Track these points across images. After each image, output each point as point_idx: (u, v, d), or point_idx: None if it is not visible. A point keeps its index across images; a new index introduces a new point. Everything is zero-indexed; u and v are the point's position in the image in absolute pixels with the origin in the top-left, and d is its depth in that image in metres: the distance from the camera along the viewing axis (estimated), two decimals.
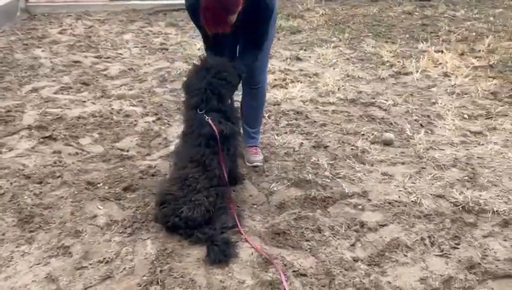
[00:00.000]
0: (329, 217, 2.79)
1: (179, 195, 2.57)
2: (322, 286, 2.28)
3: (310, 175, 3.19)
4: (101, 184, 3.05)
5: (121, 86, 4.73)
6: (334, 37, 6.34)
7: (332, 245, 2.56)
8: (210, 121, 2.66)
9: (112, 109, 4.18)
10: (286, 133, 3.82)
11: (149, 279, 2.28)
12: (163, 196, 2.62)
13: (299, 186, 3.08)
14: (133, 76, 5.01)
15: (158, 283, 2.26)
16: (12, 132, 3.70)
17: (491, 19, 6.85)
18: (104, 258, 2.41)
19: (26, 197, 2.88)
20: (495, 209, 2.83)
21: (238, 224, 2.64)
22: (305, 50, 5.86)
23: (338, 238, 2.61)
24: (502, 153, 3.46)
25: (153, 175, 3.17)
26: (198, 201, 2.55)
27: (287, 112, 4.18)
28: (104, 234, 2.60)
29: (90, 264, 2.37)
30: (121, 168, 3.24)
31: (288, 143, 3.64)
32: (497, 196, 2.98)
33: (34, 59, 5.43)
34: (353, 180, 3.17)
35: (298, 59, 5.54)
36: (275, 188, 3.06)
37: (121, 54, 5.76)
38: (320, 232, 2.65)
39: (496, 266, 2.41)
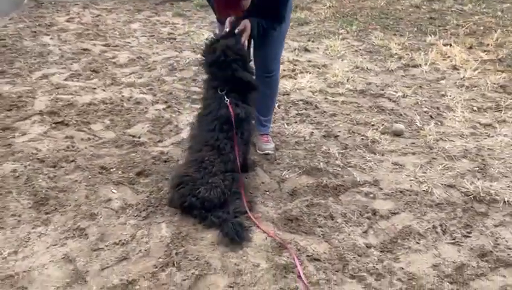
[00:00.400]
0: (341, 205, 2.81)
1: (196, 177, 2.60)
2: (336, 271, 2.30)
3: (321, 163, 3.21)
4: (114, 169, 3.07)
5: (131, 74, 4.74)
6: (341, 29, 6.33)
7: (345, 232, 2.58)
8: (229, 104, 2.68)
9: (122, 96, 4.19)
10: (296, 122, 3.83)
11: (165, 261, 2.30)
12: (180, 177, 2.65)
13: (310, 174, 3.10)
14: (142, 64, 5.02)
15: (174, 264, 2.28)
16: (24, 117, 3.72)
17: (499, 13, 6.84)
18: (120, 240, 2.43)
19: (40, 180, 2.91)
20: (506, 199, 2.85)
21: (248, 210, 2.66)
22: (313, 41, 5.86)
23: (350, 225, 2.64)
24: (511, 145, 3.48)
25: (165, 161, 3.19)
26: (215, 183, 2.59)
27: (296, 102, 4.19)
28: (119, 217, 2.62)
29: (106, 245, 2.40)
30: (134, 154, 3.26)
31: (298, 132, 3.66)
32: (508, 186, 3.00)
33: (42, 46, 5.43)
34: (364, 169, 3.19)
35: (306, 50, 5.54)
36: (287, 176, 3.08)
37: (129, 42, 5.76)
38: (332, 219, 2.67)
39: (508, 254, 2.43)
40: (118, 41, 5.74)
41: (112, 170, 3.06)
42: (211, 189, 2.57)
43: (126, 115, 3.85)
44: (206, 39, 2.95)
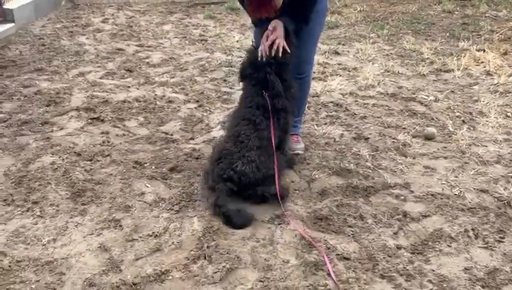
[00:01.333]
0: (372, 206, 2.81)
1: (233, 150, 2.73)
2: (366, 270, 2.30)
3: (351, 165, 3.21)
4: (148, 164, 3.15)
5: (163, 73, 4.84)
6: (372, 33, 6.31)
7: (375, 232, 2.58)
8: (266, 96, 2.82)
9: (155, 94, 4.29)
10: (326, 124, 3.84)
11: (196, 254, 2.35)
12: (219, 152, 2.81)
13: (340, 175, 3.11)
14: (174, 65, 5.12)
15: (205, 257, 2.33)
16: (61, 112, 3.85)
17: None
18: (153, 232, 2.49)
19: (77, 172, 3.01)
20: None
21: (282, 205, 2.70)
22: (343, 45, 5.86)
23: (380, 226, 2.63)
24: None
25: (197, 158, 3.25)
26: (251, 158, 2.69)
27: (326, 104, 4.20)
28: (152, 210, 2.69)
29: (140, 237, 2.47)
30: (166, 150, 3.33)
31: (328, 134, 3.67)
32: None
33: (79, 46, 5.61)
34: (395, 171, 3.17)
35: (336, 53, 5.55)
36: (317, 176, 3.09)
37: (161, 43, 5.88)
38: (362, 220, 2.68)
39: None
40: (151, 42, 5.87)
41: (145, 165, 3.14)
42: (248, 163, 2.67)
43: (159, 113, 3.94)
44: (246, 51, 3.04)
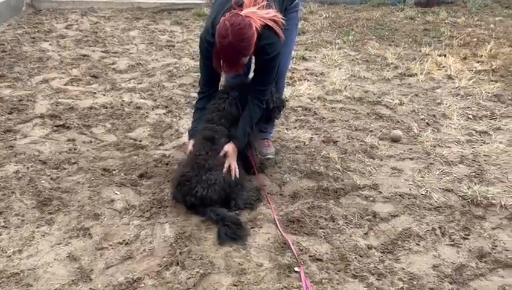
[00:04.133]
0: (342, 207, 2.85)
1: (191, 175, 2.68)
2: (338, 271, 2.33)
3: (321, 168, 3.25)
4: (117, 171, 3.09)
5: (130, 79, 4.78)
6: (338, 39, 6.43)
7: (346, 233, 2.62)
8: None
9: (123, 101, 4.22)
10: (296, 128, 3.88)
11: (169, 260, 2.32)
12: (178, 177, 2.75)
13: (311, 177, 3.14)
14: (141, 70, 5.06)
15: (178, 263, 2.30)
16: (25, 119, 3.73)
17: (492, 26, 6.97)
18: (124, 240, 2.45)
19: (43, 181, 2.92)
20: (502, 203, 2.90)
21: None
22: (310, 50, 5.94)
23: (351, 227, 2.68)
24: (507, 152, 3.54)
25: (167, 164, 3.21)
26: (211, 180, 2.65)
27: (295, 109, 4.24)
28: (122, 217, 2.64)
29: (111, 245, 2.41)
30: (135, 157, 3.28)
31: (298, 137, 3.71)
32: (504, 191, 3.05)
33: (42, 52, 5.46)
34: (363, 173, 3.24)
35: (304, 59, 5.62)
36: (288, 179, 3.12)
37: (128, 49, 5.80)
38: (333, 221, 2.71)
39: (506, 255, 2.48)
40: (117, 48, 5.78)
41: (114, 172, 3.08)
42: (208, 187, 2.63)
43: (127, 119, 3.88)
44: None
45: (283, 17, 2.77)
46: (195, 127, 2.94)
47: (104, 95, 4.34)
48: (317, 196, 2.95)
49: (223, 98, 2.90)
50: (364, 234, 2.62)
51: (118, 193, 2.87)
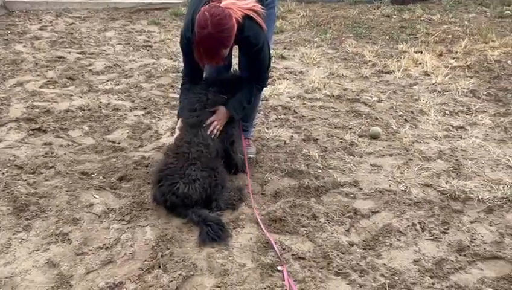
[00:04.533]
0: (323, 205, 2.86)
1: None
2: (321, 268, 2.34)
3: (302, 166, 3.26)
4: (95, 174, 3.04)
5: (108, 81, 4.71)
6: (316, 37, 6.45)
7: (328, 231, 2.63)
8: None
9: (100, 102, 4.16)
10: (276, 127, 3.89)
11: (150, 263, 2.30)
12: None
13: (292, 176, 3.15)
14: (118, 72, 5.00)
15: (160, 267, 2.28)
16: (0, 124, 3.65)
17: (466, 22, 7.09)
18: (104, 244, 2.41)
19: (19, 186, 2.86)
20: (480, 197, 2.96)
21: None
22: (289, 49, 5.96)
23: (333, 225, 2.69)
24: (483, 146, 3.61)
25: (146, 166, 3.18)
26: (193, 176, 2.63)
27: (275, 107, 4.25)
28: (102, 221, 2.60)
29: (90, 250, 2.38)
30: (114, 159, 3.24)
31: (278, 136, 3.71)
32: (481, 185, 3.11)
33: (16, 54, 5.34)
34: (344, 170, 3.26)
35: (283, 58, 5.62)
36: (269, 178, 3.12)
37: (104, 50, 5.72)
38: (315, 219, 2.72)
39: (484, 248, 2.52)
40: (93, 49, 5.70)
41: (92, 175, 3.03)
42: (189, 183, 2.61)
43: (105, 121, 3.82)
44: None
45: (263, 8, 2.77)
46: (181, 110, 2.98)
47: (81, 97, 4.27)
48: (298, 194, 2.96)
49: (203, 93, 2.90)
50: (346, 231, 2.64)
51: (97, 196, 2.82)
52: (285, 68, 5.29)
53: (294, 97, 4.49)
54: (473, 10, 7.89)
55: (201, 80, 3.02)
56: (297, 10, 7.88)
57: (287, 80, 4.92)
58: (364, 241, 2.56)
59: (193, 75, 2.97)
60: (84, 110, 3.99)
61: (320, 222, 2.70)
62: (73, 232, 2.50)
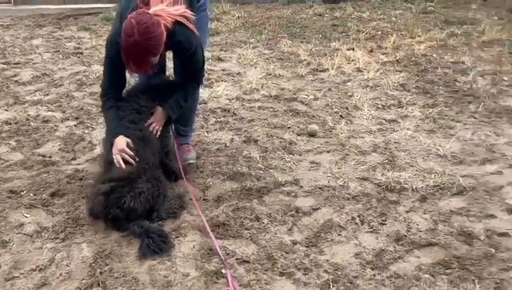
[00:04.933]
0: (266, 206, 2.87)
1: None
2: (266, 270, 2.34)
3: (243, 168, 3.26)
4: (25, 192, 2.87)
5: (35, 91, 4.47)
6: (252, 38, 6.48)
7: (271, 231, 2.64)
8: None
9: (28, 115, 3.94)
10: (216, 130, 3.85)
11: (89, 282, 2.20)
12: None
13: (234, 179, 3.14)
14: (47, 81, 4.76)
15: (99, 284, 2.19)
16: None
17: (393, 19, 7.41)
18: (37, 266, 2.28)
19: None
20: (414, 186, 3.09)
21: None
22: (225, 51, 5.94)
23: (276, 225, 2.70)
24: (414, 137, 3.78)
25: (81, 179, 3.05)
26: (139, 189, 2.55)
27: (214, 110, 4.22)
28: (34, 241, 2.46)
29: (22, 273, 2.24)
30: (45, 174, 3.07)
31: (219, 139, 3.68)
32: (415, 175, 3.25)
33: None
34: (284, 170, 3.29)
35: (220, 60, 5.60)
36: (211, 183, 3.08)
37: (31, 59, 5.43)
38: (258, 221, 2.72)
39: (420, 236, 2.63)
40: (18, 59, 5.39)
41: (22, 193, 2.86)
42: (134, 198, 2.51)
43: (34, 134, 3.62)
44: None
45: (193, 14, 2.75)
46: (118, 126, 2.76)
47: (7, 110, 4.02)
48: (241, 197, 2.95)
49: (135, 101, 2.81)
50: (289, 230, 2.66)
51: (27, 215, 2.66)
52: (223, 70, 5.27)
53: (233, 99, 4.48)
54: (399, 7, 8.25)
55: (123, 89, 2.91)
56: (232, 11, 7.87)
57: (225, 81, 4.90)
58: (306, 238, 2.59)
59: (117, 87, 2.85)
60: (10, 124, 3.76)
61: (264, 223, 2.70)
62: (2, 256, 2.34)
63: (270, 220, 2.73)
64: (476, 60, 5.49)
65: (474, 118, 4.11)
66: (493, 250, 2.50)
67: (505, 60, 5.49)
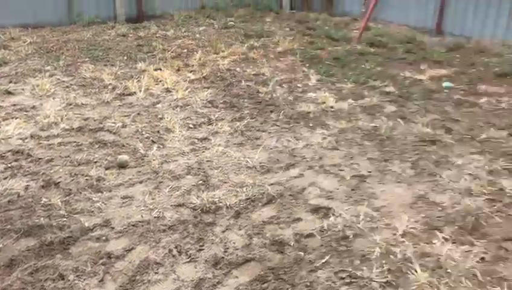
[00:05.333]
0: (72, 259, 2.56)
1: None
2: None
3: (42, 219, 2.87)
4: None
5: None
6: (47, 65, 5.89)
7: (80, 287, 2.35)
8: None
9: None
10: (6, 178, 3.34)
11: None
12: None
13: (30, 235, 2.73)
14: None
15: None
16: None
17: (198, 35, 7.57)
18: None
19: None
20: (228, 203, 3.12)
21: None
22: (15, 82, 5.27)
23: (84, 279, 2.42)
24: (225, 153, 3.85)
25: None
26: None
27: (3, 155, 3.66)
28: None
29: None
30: None
31: (10, 189, 3.19)
32: (228, 191, 3.28)
33: None
34: (92, 212, 3.00)
35: (9, 93, 4.94)
36: (0, 245, 2.62)
37: None
38: (63, 279, 2.41)
39: (236, 255, 2.64)
40: None
41: None
42: None
43: None
44: None
45: None
46: None
47: None
48: (40, 254, 2.57)
49: None
50: (100, 281, 2.41)
51: None
52: (13, 105, 4.66)
53: (27, 138, 3.97)
54: (202, 23, 8.49)
55: None
56: (22, 37, 7.09)
57: (16, 118, 4.32)
58: (120, 286, 2.38)
59: None
60: None
61: (69, 280, 2.40)
62: None
63: (78, 275, 2.43)
64: (274, 71, 5.93)
65: (277, 125, 4.39)
66: (302, 253, 2.64)
67: (297, 68, 6.06)
